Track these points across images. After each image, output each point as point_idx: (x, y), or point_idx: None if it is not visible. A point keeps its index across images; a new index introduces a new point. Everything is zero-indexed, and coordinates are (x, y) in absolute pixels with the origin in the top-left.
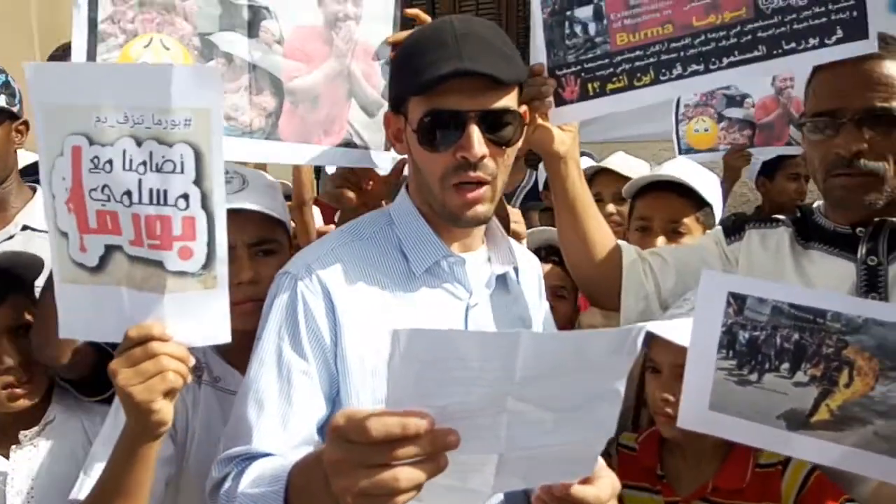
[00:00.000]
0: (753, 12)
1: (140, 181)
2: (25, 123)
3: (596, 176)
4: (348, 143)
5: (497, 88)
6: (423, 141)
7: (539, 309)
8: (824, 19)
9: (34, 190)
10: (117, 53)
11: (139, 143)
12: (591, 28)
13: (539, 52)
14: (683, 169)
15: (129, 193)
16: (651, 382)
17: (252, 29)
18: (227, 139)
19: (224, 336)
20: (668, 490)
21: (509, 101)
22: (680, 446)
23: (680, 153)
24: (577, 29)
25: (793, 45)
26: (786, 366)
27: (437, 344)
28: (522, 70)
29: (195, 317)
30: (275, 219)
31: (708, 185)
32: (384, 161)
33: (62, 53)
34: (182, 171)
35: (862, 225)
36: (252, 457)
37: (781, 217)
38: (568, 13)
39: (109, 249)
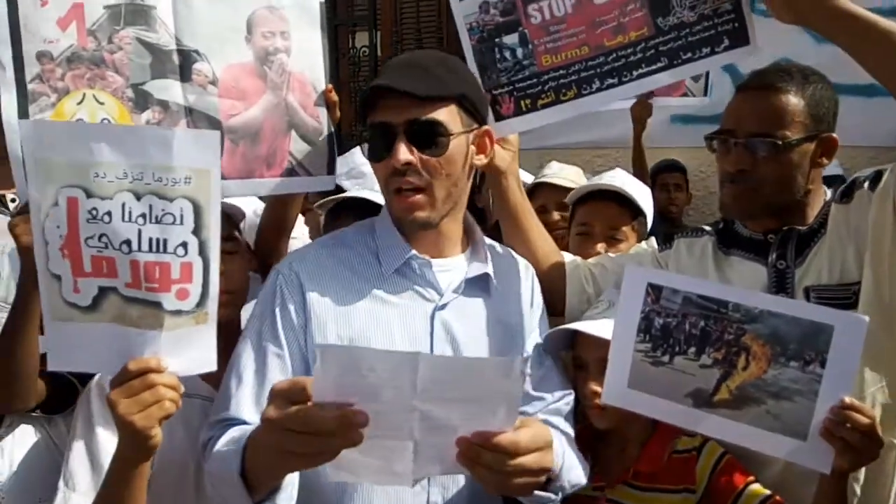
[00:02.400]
0: (654, 30)
1: (140, 231)
2: None
3: (538, 188)
4: (290, 173)
5: (422, 104)
6: (367, 153)
7: (528, 314)
8: (712, 31)
9: None
10: (50, 113)
11: (138, 197)
12: (519, 52)
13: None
14: (622, 180)
15: (128, 242)
16: (579, 378)
17: (184, 73)
18: None
19: (211, 365)
20: (596, 477)
21: (440, 115)
22: (607, 436)
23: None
24: (507, 54)
25: (689, 55)
26: (693, 349)
27: (350, 358)
28: (448, 87)
29: (187, 349)
30: (232, 221)
31: (643, 195)
32: (326, 184)
33: None
34: (182, 223)
35: (774, 232)
36: (231, 422)
37: (707, 228)
38: (496, 40)
39: (103, 290)
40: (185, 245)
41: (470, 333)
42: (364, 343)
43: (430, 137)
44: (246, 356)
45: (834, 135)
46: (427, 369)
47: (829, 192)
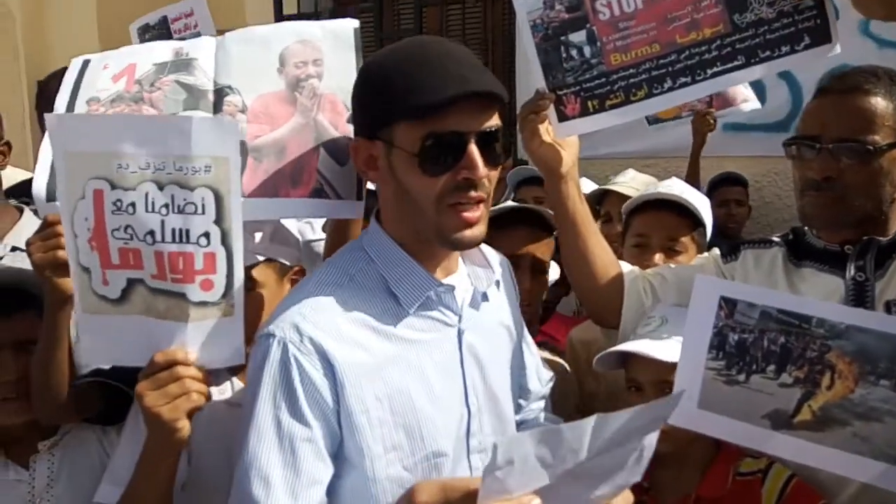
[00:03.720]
0: (730, 27)
1: (163, 222)
2: (8, 144)
3: (606, 195)
4: (318, 193)
5: (491, 108)
6: (423, 165)
7: (516, 309)
8: (792, 29)
9: (21, 210)
10: None
11: (161, 188)
12: (587, 51)
13: (528, 73)
14: (681, 189)
15: (151, 233)
16: (635, 401)
17: (217, 107)
18: None
19: (239, 357)
20: (654, 501)
21: (498, 119)
22: (665, 459)
23: (650, 124)
24: (573, 52)
25: (768, 53)
26: (772, 367)
27: (523, 446)
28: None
29: (214, 341)
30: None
31: (703, 205)
32: (355, 210)
33: (49, 82)
34: (203, 213)
35: (851, 243)
36: None
37: (776, 238)
38: (562, 38)
39: (131, 282)
40: (207, 235)
41: (489, 348)
42: (404, 396)
43: (496, 145)
44: (266, 452)
45: None
46: (596, 433)
47: None
